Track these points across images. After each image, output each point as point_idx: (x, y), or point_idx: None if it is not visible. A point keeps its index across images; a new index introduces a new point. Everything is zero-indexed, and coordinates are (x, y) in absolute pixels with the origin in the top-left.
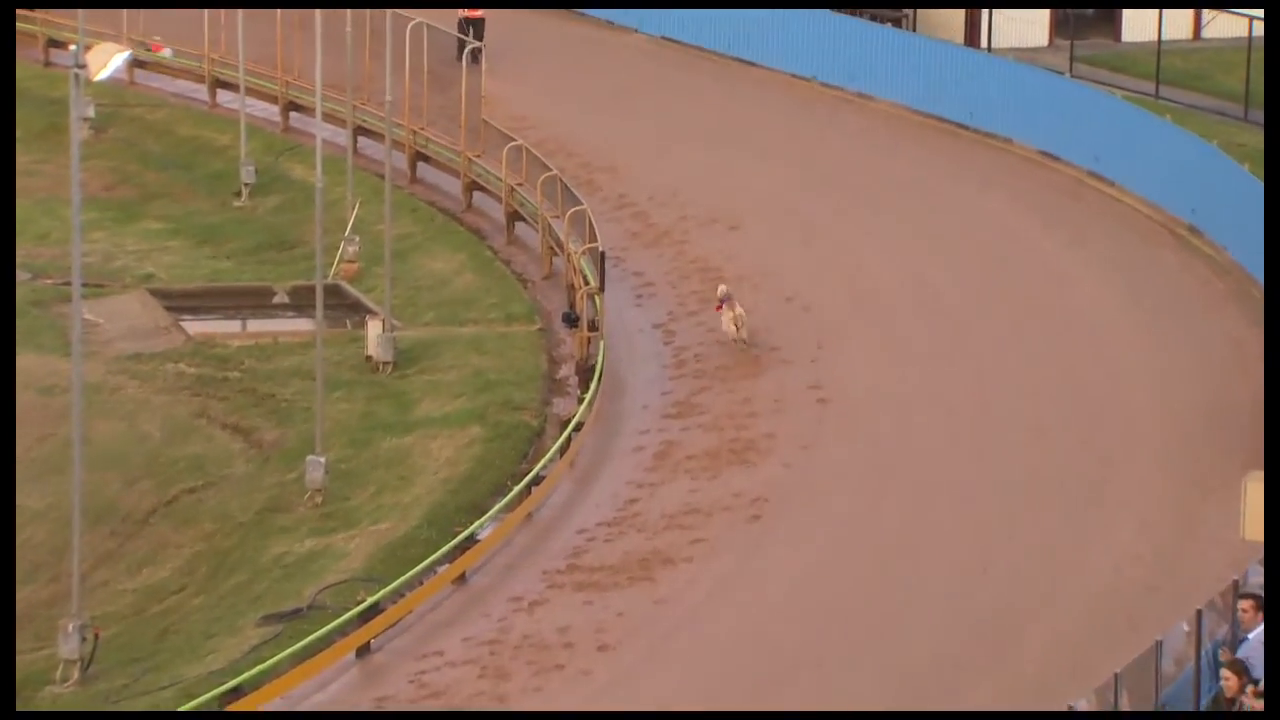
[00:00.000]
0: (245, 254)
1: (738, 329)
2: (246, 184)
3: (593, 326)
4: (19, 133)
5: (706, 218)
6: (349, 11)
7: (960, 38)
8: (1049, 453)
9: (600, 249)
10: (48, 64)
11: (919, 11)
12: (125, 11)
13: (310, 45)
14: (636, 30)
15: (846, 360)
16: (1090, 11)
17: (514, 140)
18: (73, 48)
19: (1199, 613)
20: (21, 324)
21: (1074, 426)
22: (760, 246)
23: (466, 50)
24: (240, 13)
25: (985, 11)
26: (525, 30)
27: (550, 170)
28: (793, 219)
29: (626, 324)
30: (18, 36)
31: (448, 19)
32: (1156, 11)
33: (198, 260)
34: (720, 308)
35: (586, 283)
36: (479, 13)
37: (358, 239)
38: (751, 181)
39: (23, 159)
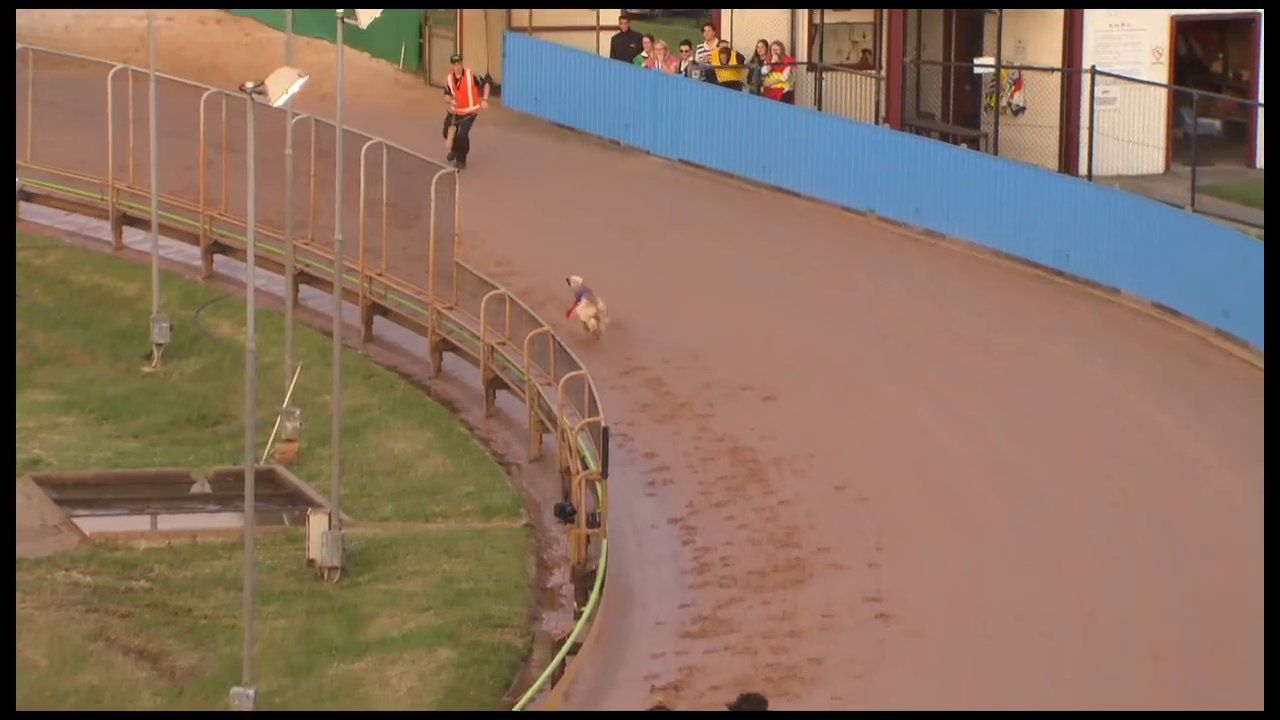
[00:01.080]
0: (156, 432)
1: (599, 323)
2: (159, 344)
3: (593, 521)
4: None
5: (735, 385)
6: (289, 131)
7: (1054, 162)
8: (1170, 686)
9: (603, 424)
10: None
11: (1003, 132)
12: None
13: (240, 171)
14: (648, 152)
15: (913, 565)
16: (1216, 129)
17: (495, 289)
18: None
19: None
20: None
21: (1201, 652)
22: (803, 421)
23: (437, 176)
24: (153, 133)
25: (1085, 132)
26: (510, 150)
27: (541, 326)
28: (843, 388)
29: (636, 518)
30: None
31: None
32: None
33: (97, 440)
34: (578, 303)
35: (585, 467)
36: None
37: (298, 412)
38: (791, 340)
39: None
